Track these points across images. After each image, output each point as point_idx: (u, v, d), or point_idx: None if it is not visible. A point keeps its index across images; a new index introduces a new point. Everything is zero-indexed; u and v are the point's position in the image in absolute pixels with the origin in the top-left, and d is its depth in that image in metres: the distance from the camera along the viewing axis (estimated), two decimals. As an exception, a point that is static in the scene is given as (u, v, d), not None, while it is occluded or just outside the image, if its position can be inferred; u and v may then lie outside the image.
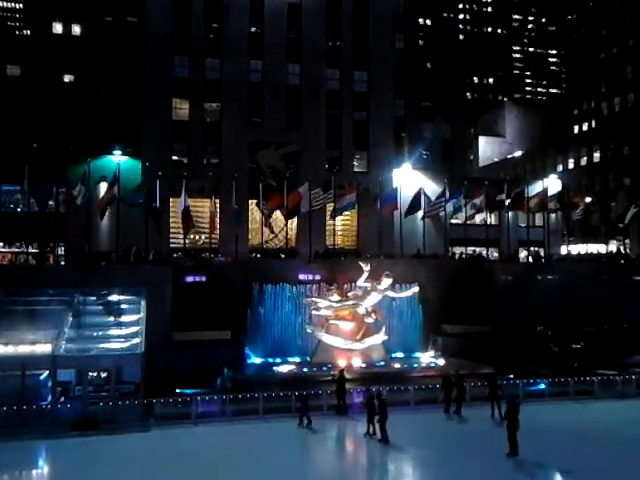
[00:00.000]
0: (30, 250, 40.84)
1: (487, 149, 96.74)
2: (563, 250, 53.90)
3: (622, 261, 47.44)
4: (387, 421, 23.22)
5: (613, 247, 57.63)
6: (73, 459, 21.67)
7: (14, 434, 23.29)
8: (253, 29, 50.12)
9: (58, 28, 58.30)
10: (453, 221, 47.62)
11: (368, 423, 23.91)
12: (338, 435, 26.00)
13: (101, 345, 27.73)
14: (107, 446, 22.88)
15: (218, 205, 43.71)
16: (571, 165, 79.22)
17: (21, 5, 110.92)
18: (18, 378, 25.38)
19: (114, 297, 31.77)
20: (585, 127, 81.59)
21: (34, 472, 22.32)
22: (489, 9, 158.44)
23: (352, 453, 24.74)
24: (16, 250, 44.38)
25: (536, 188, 48.47)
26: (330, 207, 43.35)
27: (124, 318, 30.12)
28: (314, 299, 37.74)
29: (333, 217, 43.57)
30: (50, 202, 38.87)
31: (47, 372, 26.62)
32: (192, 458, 21.62)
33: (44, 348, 26.26)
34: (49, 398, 26.10)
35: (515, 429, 21.47)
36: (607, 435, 24.23)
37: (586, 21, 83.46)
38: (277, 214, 43.74)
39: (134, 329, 28.98)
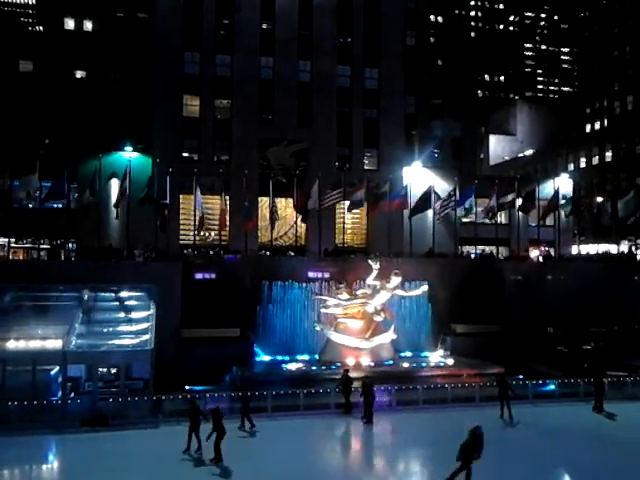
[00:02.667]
0: (41, 246, 41.06)
1: (498, 147, 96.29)
2: (574, 250, 53.56)
3: (634, 261, 47.11)
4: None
5: (624, 247, 57.18)
6: (82, 454, 21.78)
7: (24, 429, 23.45)
8: (264, 25, 50.12)
9: (70, 24, 58.44)
10: (463, 220, 47.42)
11: (189, 436, 21.53)
12: (345, 434, 25.95)
13: (111, 341, 27.80)
14: (116, 442, 22.97)
15: (228, 202, 43.77)
16: (583, 164, 78.69)
17: (34, 1, 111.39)
18: (29, 373, 25.53)
19: (124, 293, 31.90)
20: (597, 126, 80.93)
21: (44, 467, 22.42)
22: (501, 6, 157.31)
23: (360, 451, 24.72)
24: (28, 246, 44.68)
25: (547, 187, 48.23)
26: (339, 205, 43.37)
27: (134, 315, 30.20)
28: (323, 297, 37.75)
29: (349, 210, 43.55)
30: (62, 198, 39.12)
31: (57, 367, 26.73)
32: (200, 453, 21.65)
33: (55, 344, 26.37)
34: (59, 393, 26.22)
35: (220, 435, 20.40)
36: (617, 436, 24.10)
37: (599, 19, 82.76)
38: (286, 212, 43.98)
39: (144, 325, 29.05)
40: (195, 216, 40.35)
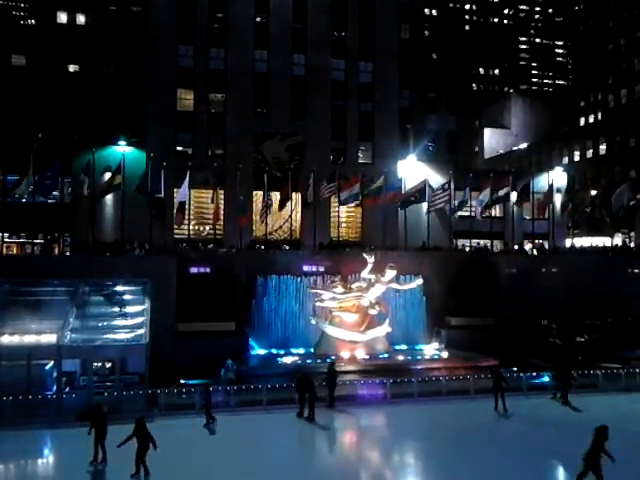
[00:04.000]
0: (35, 241, 40.93)
1: (492, 141, 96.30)
2: (568, 243, 53.75)
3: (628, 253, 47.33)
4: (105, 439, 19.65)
5: (618, 240, 57.42)
6: (78, 449, 21.68)
7: (20, 423, 23.42)
8: (258, 19, 49.92)
9: (63, 18, 58.15)
10: (458, 213, 47.54)
11: (95, 446, 19.84)
12: (340, 427, 26.00)
13: (106, 335, 27.77)
14: (111, 436, 22.87)
15: (223, 196, 43.74)
16: (577, 157, 78.85)
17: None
18: (23, 368, 25.44)
19: (119, 288, 31.82)
20: (591, 119, 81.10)
21: (39, 461, 22.39)
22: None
23: (355, 444, 24.75)
24: (22, 241, 44.53)
25: (541, 180, 48.36)
26: (334, 198, 43.40)
27: (129, 309, 30.15)
28: (318, 291, 37.80)
29: (340, 205, 43.68)
30: (55, 192, 39.01)
31: (52, 362, 26.69)
32: (195, 448, 21.71)
33: (49, 338, 26.34)
34: (54, 388, 26.19)
35: (143, 447, 18.88)
36: (611, 428, 24.18)
37: (593, 12, 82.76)
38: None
39: (139, 320, 29.01)
40: (189, 210, 40.34)
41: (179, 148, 48.39)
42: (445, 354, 37.61)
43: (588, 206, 48.03)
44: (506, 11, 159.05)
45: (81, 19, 57.37)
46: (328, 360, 34.25)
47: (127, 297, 31.19)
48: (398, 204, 43.56)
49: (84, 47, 51.88)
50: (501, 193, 44.11)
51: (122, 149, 41.46)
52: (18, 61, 56.26)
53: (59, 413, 24.83)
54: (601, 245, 56.27)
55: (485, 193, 43.59)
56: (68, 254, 41.45)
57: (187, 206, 40.48)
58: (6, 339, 26.18)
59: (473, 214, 45.11)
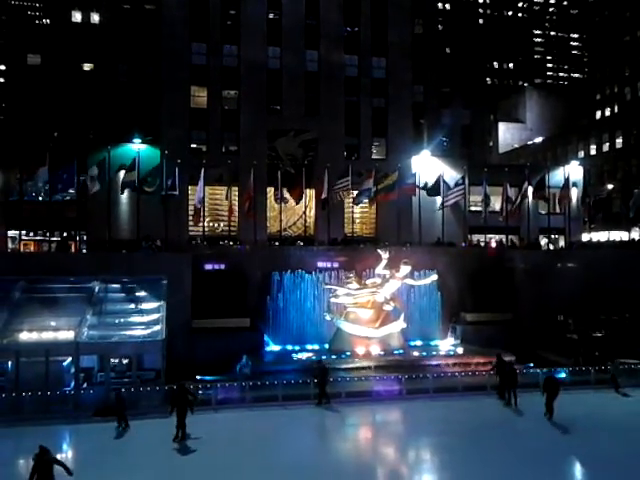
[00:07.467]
0: (52, 238, 41.39)
1: (507, 135, 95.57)
2: (584, 237, 53.29)
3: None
4: None
5: (635, 234, 56.79)
6: (95, 444, 21.98)
7: (38, 419, 23.70)
8: (271, 15, 49.88)
9: (77, 17, 58.64)
10: (472, 208, 47.37)
11: None
12: (355, 422, 26.04)
13: (123, 332, 28.01)
14: (128, 431, 23.19)
15: (237, 193, 43.86)
16: (593, 151, 78.00)
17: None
18: (42, 364, 25.77)
19: (135, 285, 32.04)
20: (607, 112, 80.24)
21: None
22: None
23: (371, 440, 24.79)
24: (39, 238, 45.01)
25: (557, 174, 47.97)
26: (348, 194, 43.36)
27: (145, 306, 30.36)
28: (333, 287, 37.81)
29: (356, 204, 43.77)
30: (71, 190, 39.39)
31: (70, 358, 26.98)
32: (211, 444, 21.84)
33: (67, 335, 26.63)
34: (72, 384, 26.48)
35: None
36: (629, 424, 24.03)
37: (609, 3, 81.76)
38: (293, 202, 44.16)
39: (155, 316, 29.22)
40: (203, 207, 40.52)
41: (193, 145, 48.53)
42: (460, 350, 37.47)
43: (605, 200, 47.55)
44: (520, 4, 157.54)
45: (95, 18, 57.79)
46: (343, 356, 34.49)
47: (143, 294, 31.38)
48: (416, 198, 43.48)
49: (98, 46, 52.23)
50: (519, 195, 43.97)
51: (137, 147, 41.68)
52: (34, 60, 56.86)
53: (77, 409, 25.14)
54: (618, 240, 55.66)
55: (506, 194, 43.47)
56: (84, 251, 41.83)
57: (200, 203, 40.55)
58: (25, 336, 26.51)
59: (490, 209, 44.88)
